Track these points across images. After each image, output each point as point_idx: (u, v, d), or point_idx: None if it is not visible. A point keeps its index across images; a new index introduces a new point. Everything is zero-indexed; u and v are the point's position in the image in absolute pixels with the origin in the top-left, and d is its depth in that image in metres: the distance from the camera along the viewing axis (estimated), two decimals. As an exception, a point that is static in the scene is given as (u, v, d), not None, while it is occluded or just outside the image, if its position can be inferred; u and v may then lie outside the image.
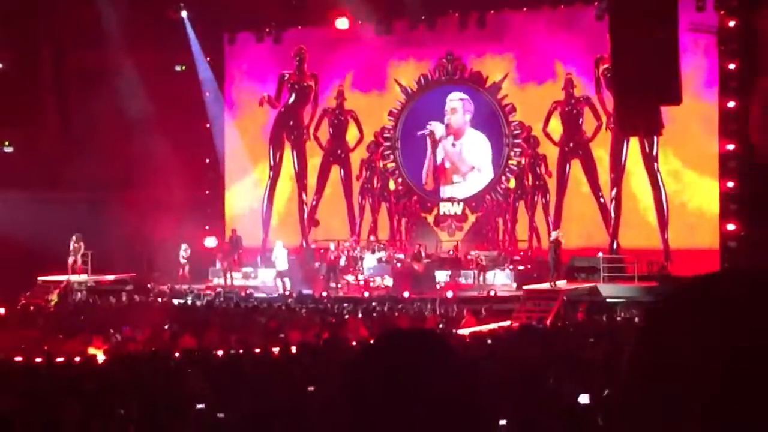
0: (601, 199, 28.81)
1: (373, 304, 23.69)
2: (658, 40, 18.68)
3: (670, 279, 24.09)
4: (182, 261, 29.60)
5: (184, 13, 31.58)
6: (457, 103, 30.70)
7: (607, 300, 23.70)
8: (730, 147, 25.73)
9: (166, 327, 19.32)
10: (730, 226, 25.52)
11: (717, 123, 26.18)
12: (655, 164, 27.87)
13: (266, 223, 32.63)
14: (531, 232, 29.59)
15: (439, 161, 30.97)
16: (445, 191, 31.01)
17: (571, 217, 29.09)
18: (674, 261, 26.50)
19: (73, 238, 28.24)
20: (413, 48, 30.87)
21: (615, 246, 28.10)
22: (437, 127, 30.73)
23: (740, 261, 24.55)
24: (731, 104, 25.65)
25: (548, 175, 29.56)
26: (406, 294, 25.52)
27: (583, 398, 8.61)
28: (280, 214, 32.81)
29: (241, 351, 14.44)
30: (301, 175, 32.48)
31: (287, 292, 26.72)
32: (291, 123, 32.32)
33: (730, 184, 25.71)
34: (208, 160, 32.97)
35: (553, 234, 26.00)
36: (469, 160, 30.66)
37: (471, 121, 30.61)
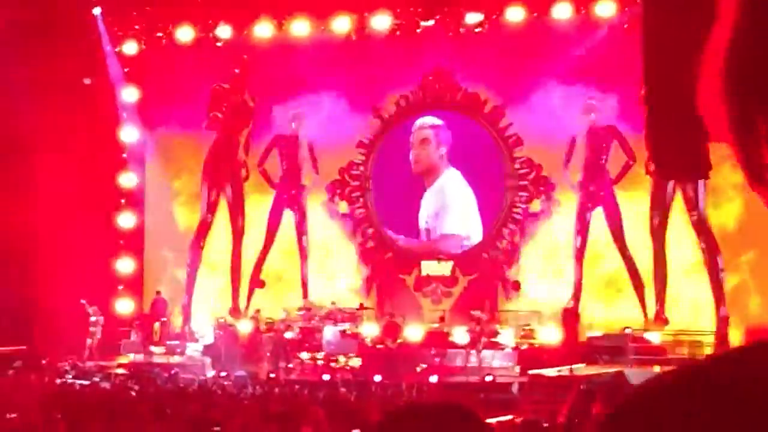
0: (628, 254, 29.00)
1: (342, 390, 23.58)
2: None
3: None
4: (93, 330, 29.54)
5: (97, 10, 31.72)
6: (428, 132, 30.81)
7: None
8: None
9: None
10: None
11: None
12: (701, 215, 27.91)
13: (190, 284, 32.71)
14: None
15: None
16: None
17: (593, 281, 29.27)
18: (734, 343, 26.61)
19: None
20: (389, 60, 30.87)
21: (661, 320, 28.08)
22: None
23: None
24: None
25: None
26: (377, 378, 25.49)
27: None
28: (210, 272, 32.93)
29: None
30: (235, 219, 32.62)
31: (222, 374, 26.60)
32: (229, 152, 32.55)
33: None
34: (124, 201, 33.02)
35: (571, 302, 25.88)
36: (450, 226, 30.89)
37: (448, 156, 30.75)
